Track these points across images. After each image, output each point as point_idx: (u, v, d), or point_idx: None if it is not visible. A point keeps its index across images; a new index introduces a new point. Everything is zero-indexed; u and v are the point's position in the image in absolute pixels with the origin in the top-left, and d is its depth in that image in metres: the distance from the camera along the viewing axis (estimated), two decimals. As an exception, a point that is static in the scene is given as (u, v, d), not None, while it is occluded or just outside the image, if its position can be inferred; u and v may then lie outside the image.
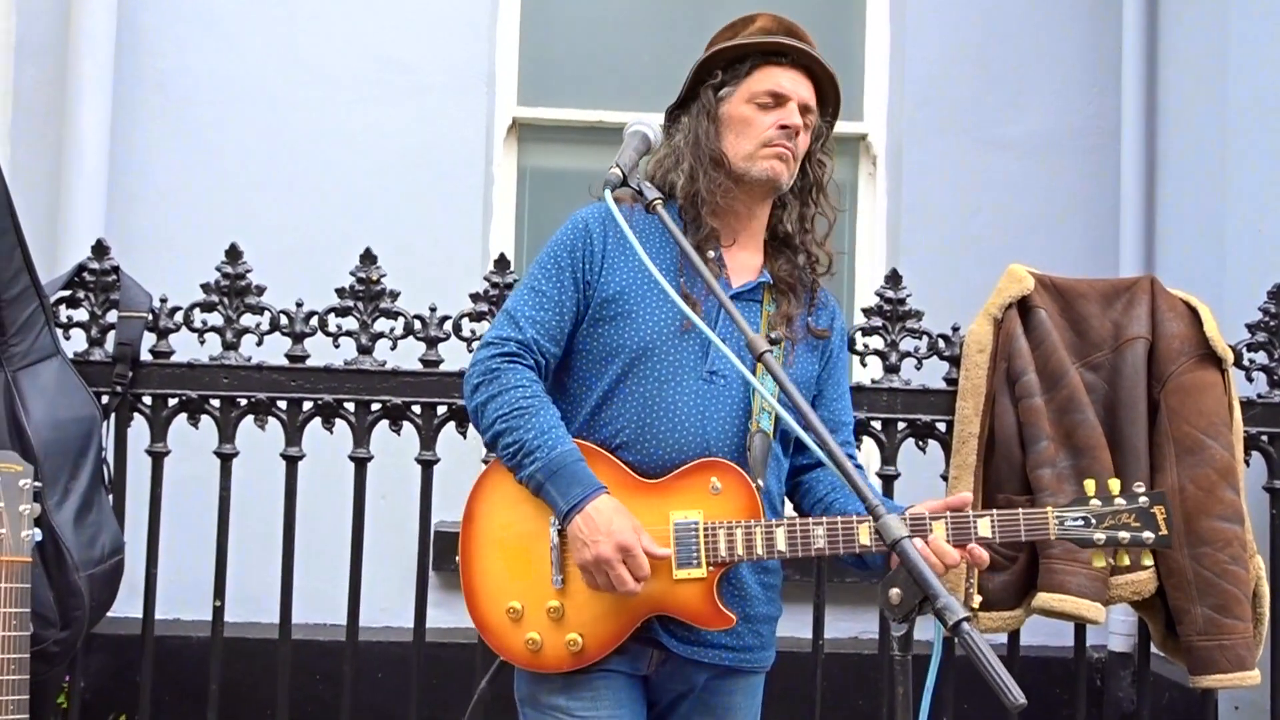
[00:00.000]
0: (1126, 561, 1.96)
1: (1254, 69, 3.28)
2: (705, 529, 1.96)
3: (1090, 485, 1.97)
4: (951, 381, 2.85)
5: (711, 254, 2.10)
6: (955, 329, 2.89)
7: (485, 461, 2.42)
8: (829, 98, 2.22)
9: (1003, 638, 2.86)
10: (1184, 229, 3.78)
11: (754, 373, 1.97)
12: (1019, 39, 4.22)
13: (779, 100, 2.12)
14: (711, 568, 1.96)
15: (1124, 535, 1.93)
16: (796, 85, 2.13)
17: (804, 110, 2.14)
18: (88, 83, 3.85)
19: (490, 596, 2.03)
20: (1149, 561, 1.98)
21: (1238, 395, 2.80)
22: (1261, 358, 2.93)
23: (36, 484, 2.20)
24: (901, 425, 2.86)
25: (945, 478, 2.82)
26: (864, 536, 1.93)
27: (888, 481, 2.85)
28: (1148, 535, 1.92)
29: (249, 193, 4.01)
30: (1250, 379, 2.93)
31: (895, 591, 1.46)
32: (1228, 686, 2.66)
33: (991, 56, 4.22)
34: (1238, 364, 2.88)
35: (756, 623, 2.09)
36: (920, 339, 2.88)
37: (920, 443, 2.89)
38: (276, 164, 4.04)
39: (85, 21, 3.87)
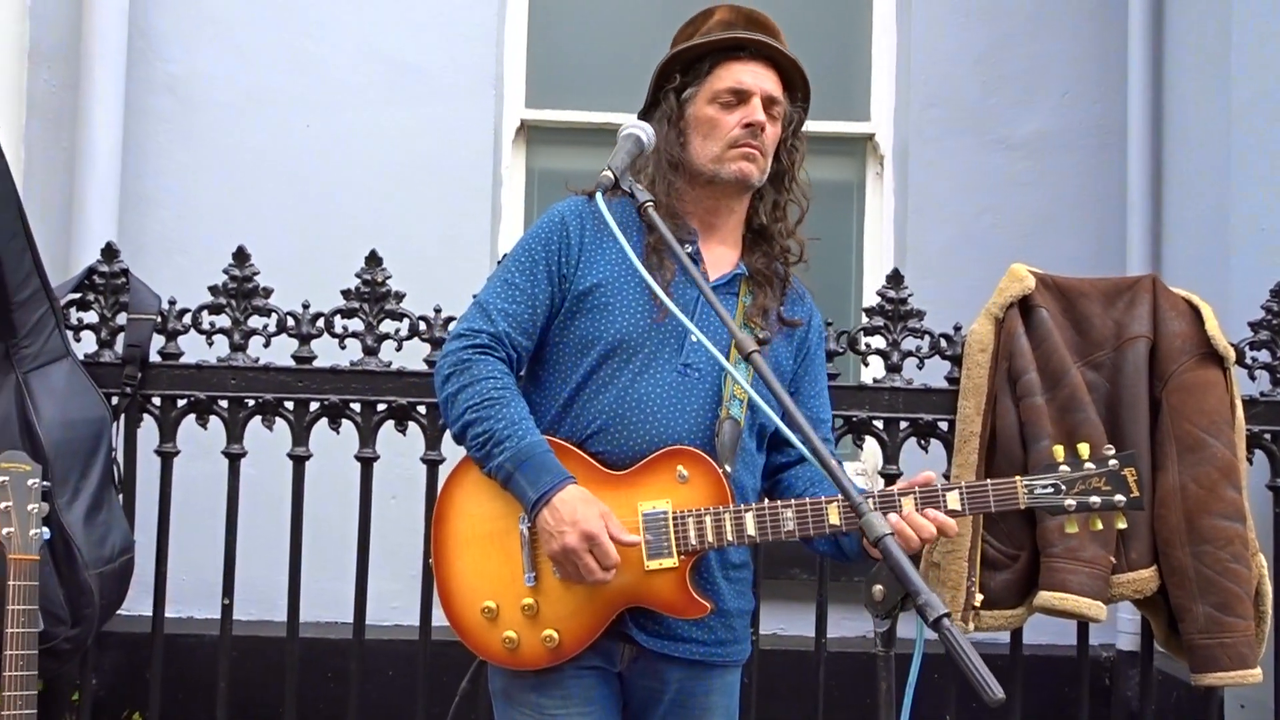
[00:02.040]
0: (1099, 526, 1.93)
1: (1256, 69, 3.28)
2: (674, 518, 1.97)
3: (1059, 451, 1.95)
4: (953, 381, 2.86)
5: (688, 249, 2.10)
6: (957, 328, 2.90)
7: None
8: (797, 82, 2.21)
9: (1005, 636, 2.87)
10: (1190, 228, 3.77)
11: (731, 363, 1.97)
12: (1025, 39, 4.22)
13: (741, 97, 2.11)
14: (683, 556, 1.96)
15: (1095, 500, 1.90)
16: (759, 79, 2.12)
17: (769, 103, 2.13)
18: (99, 87, 3.89)
19: (465, 597, 2.03)
20: (1122, 524, 1.94)
21: (1240, 393, 2.81)
22: (1264, 356, 2.93)
23: (45, 483, 2.23)
24: (904, 424, 2.87)
25: (947, 476, 2.83)
26: (833, 516, 1.94)
27: (890, 480, 2.86)
28: (1119, 498, 1.89)
29: (259, 195, 4.05)
30: (1253, 377, 2.93)
31: (878, 588, 1.48)
32: (1229, 684, 2.66)
33: (998, 57, 4.22)
34: (1240, 362, 2.89)
35: (728, 616, 2.09)
36: (922, 338, 2.89)
37: (922, 442, 2.90)
38: (286, 167, 4.07)
39: (97, 27, 3.91)
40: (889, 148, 4.31)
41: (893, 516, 1.91)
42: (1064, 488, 1.92)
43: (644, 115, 2.22)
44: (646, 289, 2.04)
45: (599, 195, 1.94)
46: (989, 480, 1.98)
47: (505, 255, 2.17)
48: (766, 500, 2.18)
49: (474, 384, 2.01)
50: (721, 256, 2.16)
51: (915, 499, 1.94)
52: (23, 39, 3.99)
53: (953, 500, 1.94)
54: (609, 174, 1.97)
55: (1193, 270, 3.64)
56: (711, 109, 2.12)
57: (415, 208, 4.07)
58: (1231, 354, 2.79)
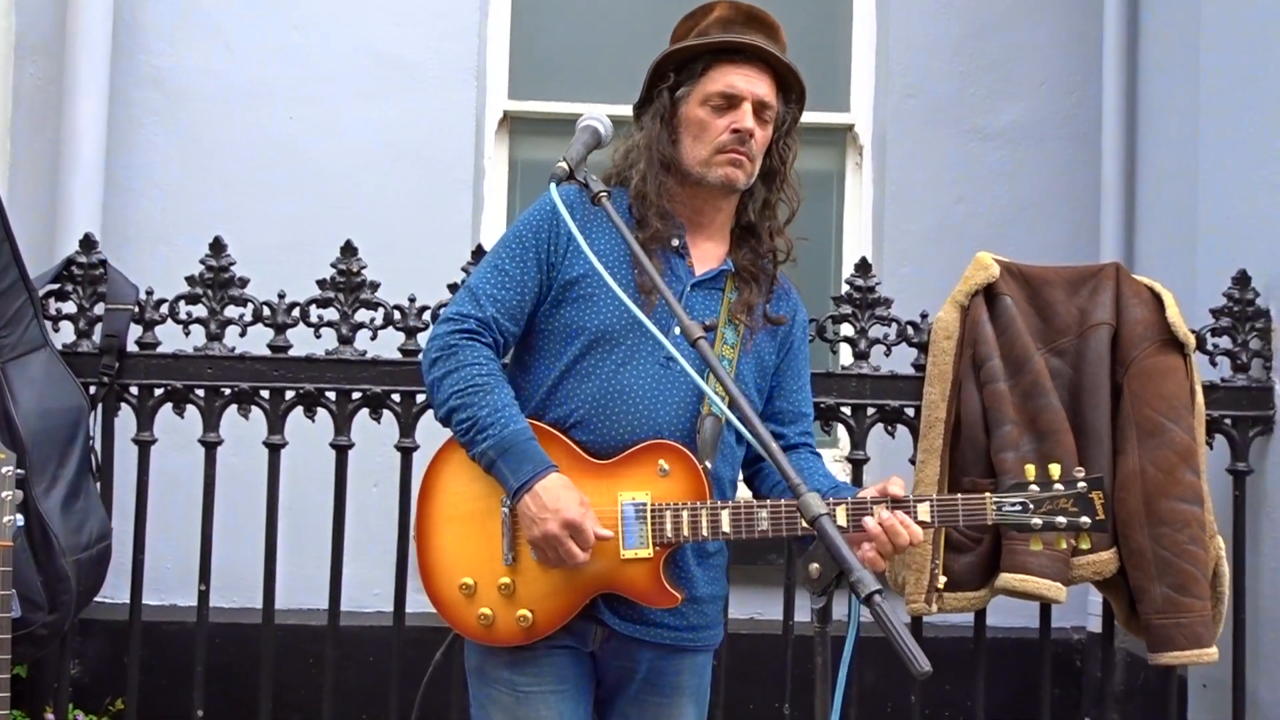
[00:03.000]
0: (1064, 545, 1.99)
1: (1223, 63, 3.31)
2: (652, 510, 2.01)
3: (1030, 470, 2.01)
4: (920, 368, 2.91)
5: (675, 242, 2.14)
6: (924, 316, 2.94)
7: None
8: (791, 82, 2.21)
9: (969, 618, 2.92)
10: (1161, 218, 3.81)
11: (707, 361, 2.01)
12: (1002, 31, 4.25)
13: (732, 102, 2.11)
14: (658, 548, 2.01)
15: (1061, 520, 1.97)
16: (751, 83, 2.13)
17: (760, 107, 2.13)
18: (84, 80, 3.92)
19: (444, 573, 2.08)
20: (1086, 545, 2.01)
21: (1200, 379, 2.85)
22: (1225, 342, 2.98)
23: (19, 471, 2.26)
24: (871, 410, 2.91)
25: (913, 462, 2.88)
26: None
27: (857, 466, 2.91)
28: (1084, 520, 1.96)
29: (244, 187, 4.09)
30: (1214, 363, 2.98)
31: (814, 566, 1.53)
32: (1185, 663, 2.72)
33: (975, 49, 4.25)
34: (1202, 349, 2.93)
35: (700, 603, 2.13)
36: (889, 326, 2.93)
37: (889, 428, 2.95)
38: (270, 159, 4.10)
39: (82, 20, 3.94)
40: (868, 138, 4.35)
41: (869, 522, 1.96)
42: (1032, 506, 1.98)
43: (638, 110, 2.24)
44: (633, 280, 2.07)
45: (554, 188, 1.97)
46: (960, 495, 2.04)
47: (498, 241, 2.19)
48: (746, 488, 2.24)
49: (460, 369, 2.04)
50: (708, 252, 2.19)
51: (887, 508, 1.98)
52: (9, 32, 4.02)
53: (923, 512, 1.99)
54: (563, 165, 2.00)
55: (1163, 259, 3.69)
56: (702, 111, 2.12)
57: (398, 199, 4.11)
58: (1192, 340, 2.83)
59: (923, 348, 2.91)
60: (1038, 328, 2.84)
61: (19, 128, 4.02)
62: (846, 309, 2.92)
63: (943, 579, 2.73)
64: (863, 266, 2.95)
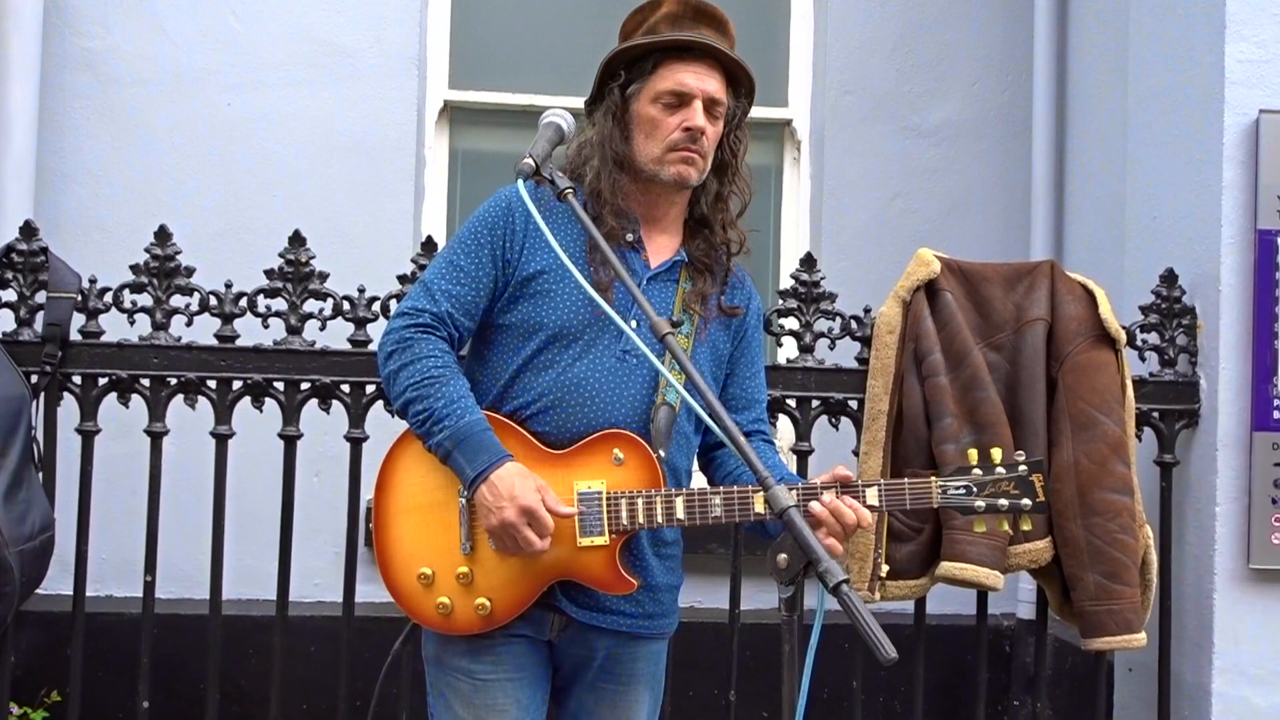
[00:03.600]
0: (1005, 527, 2.06)
1: (1151, 65, 3.43)
2: (608, 498, 2.05)
3: (973, 455, 2.08)
4: (863, 361, 2.97)
5: (630, 236, 2.17)
6: (867, 310, 3.01)
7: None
8: (742, 78, 2.24)
9: (910, 606, 3.00)
10: (1089, 216, 3.94)
11: (663, 354, 2.04)
12: (937, 30, 4.35)
13: (683, 99, 2.14)
14: (614, 535, 2.05)
15: (1003, 502, 2.04)
16: (701, 80, 2.15)
17: (711, 104, 2.16)
18: (14, 64, 3.82)
19: (402, 563, 2.11)
20: (1027, 526, 2.09)
21: (1131, 374, 2.96)
22: (1153, 338, 3.09)
23: (-37, 462, 2.24)
24: (815, 403, 2.98)
25: (857, 453, 2.95)
26: (759, 505, 2.02)
27: (802, 457, 2.98)
28: (1025, 502, 2.03)
29: (180, 175, 4.03)
30: (1143, 358, 3.09)
31: (783, 557, 1.57)
32: (1116, 648, 2.82)
33: (910, 46, 4.35)
34: (1131, 344, 3.04)
35: (656, 591, 2.18)
36: (833, 320, 2.99)
37: (833, 420, 3.01)
38: (207, 146, 4.05)
39: (11, 2, 3.85)
40: (806, 133, 4.42)
41: (815, 505, 2.00)
42: (975, 489, 2.05)
43: (589, 106, 2.26)
44: (590, 276, 2.09)
45: (521, 184, 1.99)
46: (906, 480, 2.09)
47: (454, 235, 2.20)
48: (702, 475, 2.28)
49: (415, 362, 2.06)
50: (663, 245, 2.22)
51: (836, 493, 2.03)
52: (-67, 13, 3.91)
53: (872, 496, 2.05)
54: (529, 161, 2.02)
55: (1091, 256, 3.81)
56: (653, 109, 2.14)
57: (338, 188, 4.08)
58: (1123, 336, 2.94)
59: (866, 342, 2.97)
60: (976, 323, 2.93)
61: (-55, 111, 3.92)
62: (791, 303, 2.98)
63: (885, 567, 2.81)
64: (808, 261, 3.00)
